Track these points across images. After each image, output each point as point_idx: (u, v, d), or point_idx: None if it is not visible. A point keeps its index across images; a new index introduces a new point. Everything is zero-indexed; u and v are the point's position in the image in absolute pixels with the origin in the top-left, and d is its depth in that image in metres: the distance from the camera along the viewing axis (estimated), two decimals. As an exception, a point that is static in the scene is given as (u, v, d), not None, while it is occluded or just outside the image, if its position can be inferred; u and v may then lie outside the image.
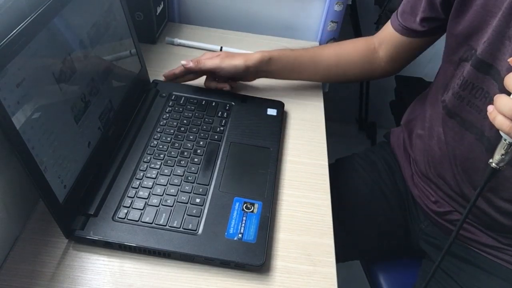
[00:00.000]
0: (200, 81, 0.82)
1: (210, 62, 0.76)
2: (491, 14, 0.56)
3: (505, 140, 0.46)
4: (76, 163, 0.56)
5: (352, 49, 0.81)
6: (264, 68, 0.78)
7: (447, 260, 0.74)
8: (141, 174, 0.63)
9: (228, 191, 0.62)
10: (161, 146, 0.68)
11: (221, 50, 0.95)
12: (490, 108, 0.46)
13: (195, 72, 0.78)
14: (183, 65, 0.77)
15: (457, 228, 0.52)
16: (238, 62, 0.76)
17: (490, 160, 0.47)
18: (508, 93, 0.44)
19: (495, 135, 0.47)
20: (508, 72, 0.45)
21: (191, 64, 0.76)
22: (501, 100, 0.44)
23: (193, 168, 0.65)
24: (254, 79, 0.81)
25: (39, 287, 0.51)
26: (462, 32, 0.61)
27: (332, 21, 1.01)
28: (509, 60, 0.45)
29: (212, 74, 0.79)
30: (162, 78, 0.81)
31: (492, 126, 0.59)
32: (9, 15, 0.49)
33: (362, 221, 0.84)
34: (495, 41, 0.56)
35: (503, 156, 0.46)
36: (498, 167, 0.47)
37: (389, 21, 0.77)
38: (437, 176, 0.73)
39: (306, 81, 0.86)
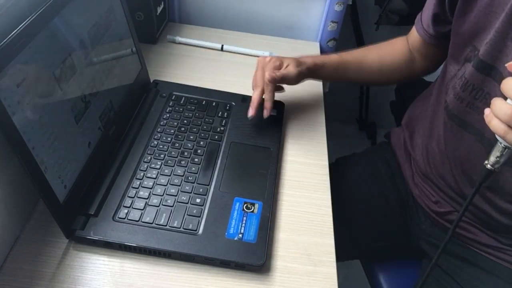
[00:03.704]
0: (201, 81, 0.82)
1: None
2: (494, 15, 0.56)
3: (500, 143, 0.46)
4: (77, 163, 0.56)
5: (394, 53, 0.81)
6: (313, 75, 0.77)
7: (447, 260, 0.74)
8: (142, 174, 0.63)
9: (228, 191, 0.62)
10: (161, 146, 0.68)
11: (222, 48, 0.95)
12: (487, 111, 0.47)
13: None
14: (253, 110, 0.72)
15: (453, 225, 0.52)
16: (291, 69, 0.72)
17: (486, 162, 0.48)
18: (505, 97, 0.45)
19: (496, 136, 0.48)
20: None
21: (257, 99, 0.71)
22: (497, 104, 0.45)
23: (193, 168, 0.65)
24: (298, 83, 0.77)
25: (39, 287, 0.51)
26: (467, 32, 0.60)
27: (332, 21, 1.01)
28: (507, 65, 0.45)
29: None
30: (162, 78, 0.81)
31: None
32: (9, 15, 0.49)
33: (362, 221, 0.84)
34: (497, 42, 0.56)
35: (498, 159, 0.47)
36: (493, 168, 0.48)
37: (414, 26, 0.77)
38: (437, 176, 0.72)
39: (306, 82, 0.86)
